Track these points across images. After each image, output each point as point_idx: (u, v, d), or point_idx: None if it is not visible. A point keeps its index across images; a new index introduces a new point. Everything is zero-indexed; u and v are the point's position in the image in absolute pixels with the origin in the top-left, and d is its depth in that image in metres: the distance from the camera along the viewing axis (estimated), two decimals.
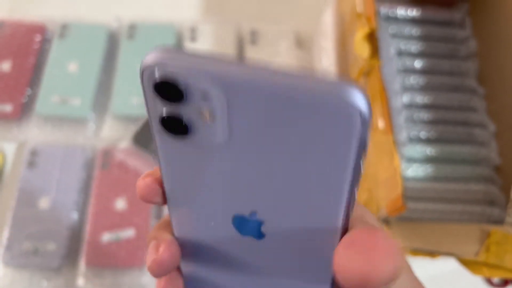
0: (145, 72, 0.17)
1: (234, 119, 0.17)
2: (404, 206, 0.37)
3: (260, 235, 0.20)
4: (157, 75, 0.16)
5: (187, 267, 0.23)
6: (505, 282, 0.58)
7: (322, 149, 0.16)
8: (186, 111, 0.17)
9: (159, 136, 0.18)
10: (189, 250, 0.22)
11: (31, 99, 0.62)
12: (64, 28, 0.66)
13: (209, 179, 0.19)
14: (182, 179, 0.20)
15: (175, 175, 0.20)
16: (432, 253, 0.38)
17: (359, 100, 0.15)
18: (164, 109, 0.17)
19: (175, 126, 0.18)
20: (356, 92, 0.15)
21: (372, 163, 0.46)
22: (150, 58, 0.16)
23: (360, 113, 0.15)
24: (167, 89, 0.17)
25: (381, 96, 0.42)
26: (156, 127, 0.18)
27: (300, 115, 0.15)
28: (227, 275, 0.22)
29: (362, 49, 0.44)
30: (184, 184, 0.20)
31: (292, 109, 0.15)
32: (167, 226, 0.23)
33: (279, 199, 0.19)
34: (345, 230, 0.19)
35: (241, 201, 0.19)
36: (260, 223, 0.20)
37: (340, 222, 0.18)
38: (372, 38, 0.46)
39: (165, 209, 0.57)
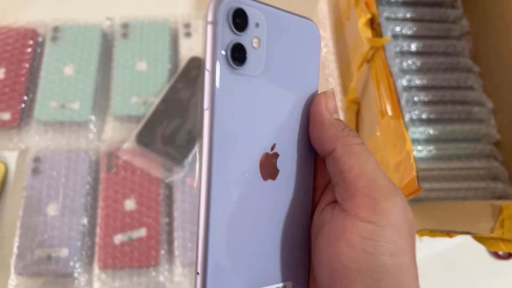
0: (220, 5, 0.21)
1: (269, 44, 0.23)
2: (419, 188, 0.38)
3: (276, 172, 0.24)
4: (232, 6, 0.21)
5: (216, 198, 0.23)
6: (510, 253, 0.59)
7: (305, 59, 0.25)
8: (245, 40, 0.22)
9: (221, 67, 0.21)
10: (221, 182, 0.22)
11: (29, 106, 0.61)
12: (56, 31, 0.65)
13: (249, 112, 0.23)
14: (231, 112, 0.22)
15: (226, 108, 0.22)
16: (448, 233, 0.39)
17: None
18: (232, 39, 0.21)
19: (239, 54, 0.22)
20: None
21: (381, 148, 0.47)
22: None
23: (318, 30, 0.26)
24: (238, 19, 0.22)
25: (388, 80, 0.43)
26: (221, 58, 0.21)
27: (296, 33, 0.25)
28: (249, 212, 0.23)
29: (365, 35, 0.45)
30: (231, 116, 0.22)
31: (292, 29, 0.24)
32: None
33: (287, 129, 0.24)
34: None
35: (267, 134, 0.24)
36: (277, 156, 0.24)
37: None
38: (373, 23, 0.46)
39: (175, 210, 0.57)
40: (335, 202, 0.24)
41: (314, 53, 0.25)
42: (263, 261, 0.24)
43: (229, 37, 0.21)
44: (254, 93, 0.23)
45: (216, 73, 0.21)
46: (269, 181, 0.24)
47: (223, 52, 0.21)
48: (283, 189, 0.24)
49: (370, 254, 0.21)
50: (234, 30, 0.21)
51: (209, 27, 0.21)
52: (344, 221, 0.22)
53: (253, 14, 0.22)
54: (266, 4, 0.23)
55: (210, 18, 0.21)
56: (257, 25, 0.22)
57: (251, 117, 0.23)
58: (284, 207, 0.24)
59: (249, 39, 0.22)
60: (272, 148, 0.24)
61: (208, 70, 0.21)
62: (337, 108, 0.24)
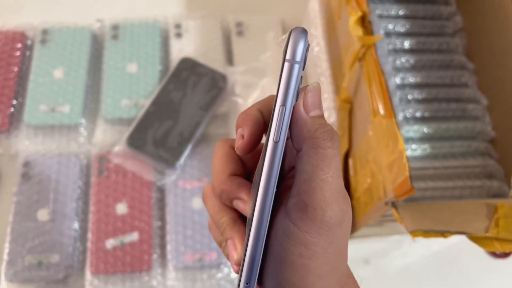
0: (305, 42, 0.22)
1: None
2: (412, 188, 0.37)
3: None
4: (308, 41, 0.22)
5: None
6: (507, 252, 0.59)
7: None
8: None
9: (293, 103, 0.22)
10: None
11: (18, 110, 0.61)
12: (45, 34, 0.64)
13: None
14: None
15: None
16: (443, 233, 0.38)
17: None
18: (301, 73, 0.22)
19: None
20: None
21: (373, 147, 0.46)
22: (301, 31, 0.22)
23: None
24: (307, 52, 0.22)
25: (379, 79, 0.42)
26: (295, 96, 0.22)
27: None
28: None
29: (356, 33, 0.44)
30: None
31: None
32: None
33: None
34: None
35: None
36: None
37: None
38: (364, 21, 0.45)
39: (167, 213, 0.56)
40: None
41: None
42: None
43: (300, 72, 0.22)
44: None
45: (291, 110, 0.22)
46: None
47: (299, 89, 0.22)
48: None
49: (284, 249, 0.23)
50: (304, 65, 0.22)
51: (296, 67, 0.22)
52: (281, 212, 0.24)
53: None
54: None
55: (298, 57, 0.22)
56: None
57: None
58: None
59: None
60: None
61: (285, 107, 0.22)
62: (318, 103, 0.24)
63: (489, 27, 0.58)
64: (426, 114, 0.56)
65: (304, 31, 0.22)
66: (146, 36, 0.65)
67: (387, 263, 0.59)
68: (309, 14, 0.59)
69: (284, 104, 0.22)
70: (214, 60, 0.64)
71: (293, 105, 0.22)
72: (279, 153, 0.22)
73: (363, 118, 0.49)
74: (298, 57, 0.21)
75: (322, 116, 0.24)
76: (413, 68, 0.58)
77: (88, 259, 0.54)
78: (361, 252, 0.59)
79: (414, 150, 0.54)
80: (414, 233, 0.39)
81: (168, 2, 0.72)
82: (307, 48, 0.22)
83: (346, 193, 0.24)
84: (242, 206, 0.25)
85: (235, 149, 0.26)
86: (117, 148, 0.58)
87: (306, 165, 0.23)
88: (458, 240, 0.60)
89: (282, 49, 0.22)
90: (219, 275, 0.54)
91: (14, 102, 0.60)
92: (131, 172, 0.58)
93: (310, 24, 0.59)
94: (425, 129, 0.55)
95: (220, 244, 0.28)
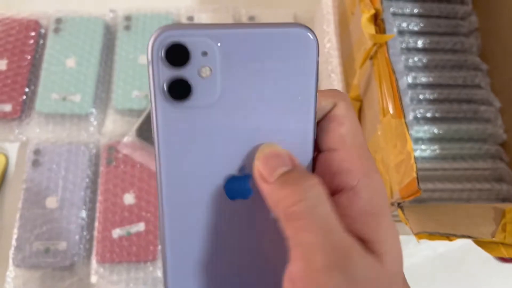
0: (155, 42, 0.20)
1: (226, 69, 0.21)
2: (419, 190, 0.37)
3: (248, 191, 0.23)
4: (168, 41, 0.20)
5: (173, 238, 0.23)
6: None
7: (291, 77, 0.22)
8: (189, 73, 0.21)
9: (162, 104, 0.21)
10: (178, 218, 0.23)
11: (30, 98, 0.61)
12: (59, 22, 0.65)
13: (204, 141, 0.22)
14: (179, 146, 0.22)
15: (173, 142, 0.22)
16: (448, 236, 0.38)
17: (311, 32, 0.21)
18: (171, 75, 0.21)
19: (180, 89, 0.21)
20: (307, 29, 0.21)
21: (382, 147, 0.46)
22: (158, 30, 0.20)
23: (317, 40, 0.21)
24: (175, 54, 0.20)
25: (390, 78, 0.42)
26: (160, 96, 0.21)
27: (271, 49, 0.21)
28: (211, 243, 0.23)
29: (368, 31, 0.44)
30: (180, 150, 0.22)
31: (265, 46, 0.21)
32: None
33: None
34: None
35: (231, 158, 0.23)
36: (248, 177, 0.23)
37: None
38: (377, 19, 0.45)
39: None
40: None
41: (305, 64, 0.22)
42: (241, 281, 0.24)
43: (167, 73, 0.21)
44: (211, 121, 0.22)
45: (158, 111, 0.21)
46: (239, 200, 0.23)
47: (163, 89, 0.21)
48: (258, 207, 0.24)
49: None
50: (172, 65, 0.21)
51: (148, 66, 0.21)
52: None
53: (198, 43, 0.21)
54: (226, 26, 0.21)
55: (147, 56, 0.20)
56: (204, 53, 0.21)
57: (207, 145, 0.22)
58: (262, 225, 0.24)
59: (194, 70, 0.21)
60: (241, 169, 0.23)
61: (151, 108, 0.21)
62: (280, 162, 0.22)
63: (505, 28, 0.57)
64: (437, 115, 0.55)
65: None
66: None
67: None
68: (322, 10, 0.58)
69: (151, 106, 0.21)
70: None
71: (160, 108, 0.21)
72: (160, 157, 0.22)
73: (372, 117, 0.48)
74: (147, 56, 0.21)
75: (287, 173, 0.21)
76: (426, 68, 0.58)
77: (94, 248, 0.54)
78: None
79: (424, 150, 0.54)
80: (419, 235, 0.38)
81: None
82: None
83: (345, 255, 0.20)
84: None
85: None
86: (126, 139, 0.59)
87: (287, 235, 0.21)
88: (465, 243, 0.60)
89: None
90: None
91: (27, 89, 0.61)
92: (140, 163, 0.58)
93: (322, 20, 0.58)
94: (436, 130, 0.54)
95: None
